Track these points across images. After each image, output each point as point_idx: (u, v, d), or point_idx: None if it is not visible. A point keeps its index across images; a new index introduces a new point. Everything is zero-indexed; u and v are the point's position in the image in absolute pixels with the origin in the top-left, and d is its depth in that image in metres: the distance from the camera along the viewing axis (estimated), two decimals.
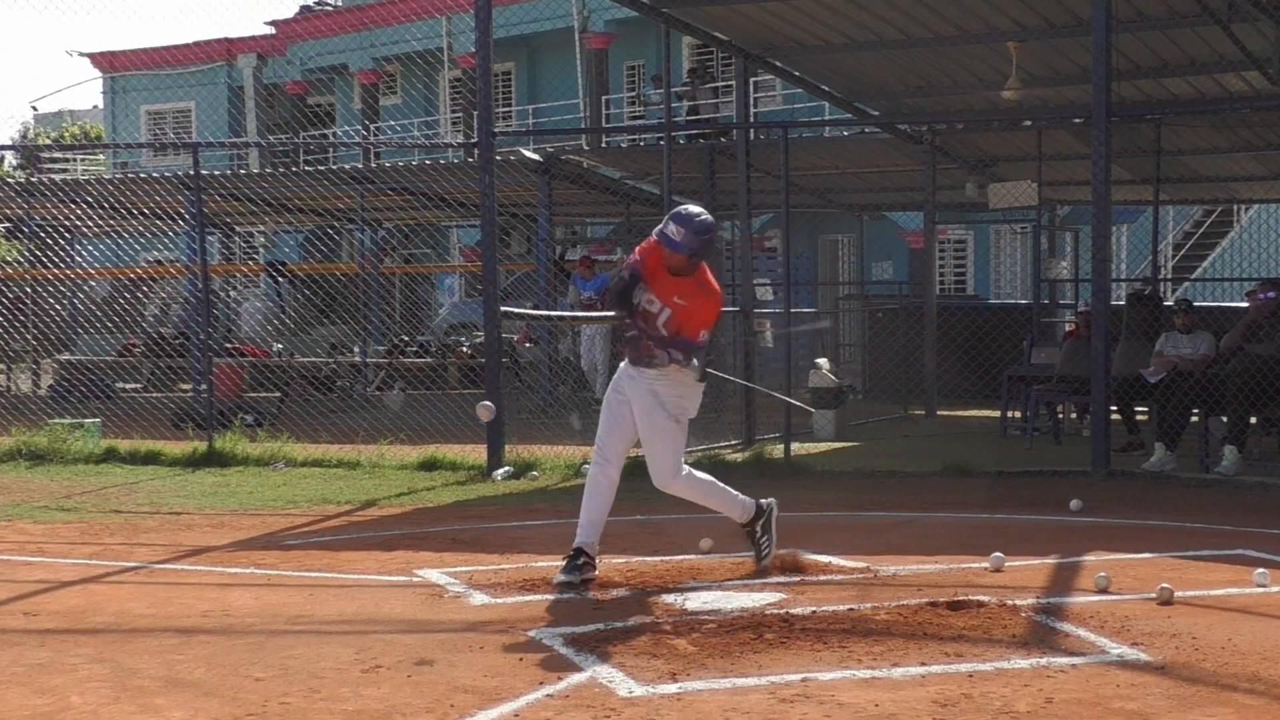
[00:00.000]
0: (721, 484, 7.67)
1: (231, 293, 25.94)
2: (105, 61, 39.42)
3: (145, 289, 24.98)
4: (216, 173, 20.44)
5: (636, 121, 29.28)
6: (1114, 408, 12.48)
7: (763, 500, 7.65)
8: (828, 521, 9.36)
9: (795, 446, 12.78)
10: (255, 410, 15.75)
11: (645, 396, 7.32)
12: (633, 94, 31.12)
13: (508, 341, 18.92)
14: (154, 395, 19.89)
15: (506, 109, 33.46)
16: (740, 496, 7.61)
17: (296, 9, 37.87)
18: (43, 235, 20.96)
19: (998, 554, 7.60)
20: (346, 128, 36.16)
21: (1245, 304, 12.86)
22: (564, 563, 7.35)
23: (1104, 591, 6.96)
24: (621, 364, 7.51)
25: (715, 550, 8.13)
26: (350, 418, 15.87)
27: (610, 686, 5.41)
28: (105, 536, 9.32)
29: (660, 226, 7.25)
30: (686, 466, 7.57)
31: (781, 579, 7.42)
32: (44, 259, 20.51)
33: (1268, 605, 6.77)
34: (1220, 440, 11.60)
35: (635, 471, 12.03)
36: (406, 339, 23.10)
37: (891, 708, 5.09)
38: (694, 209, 7.35)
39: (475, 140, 12.93)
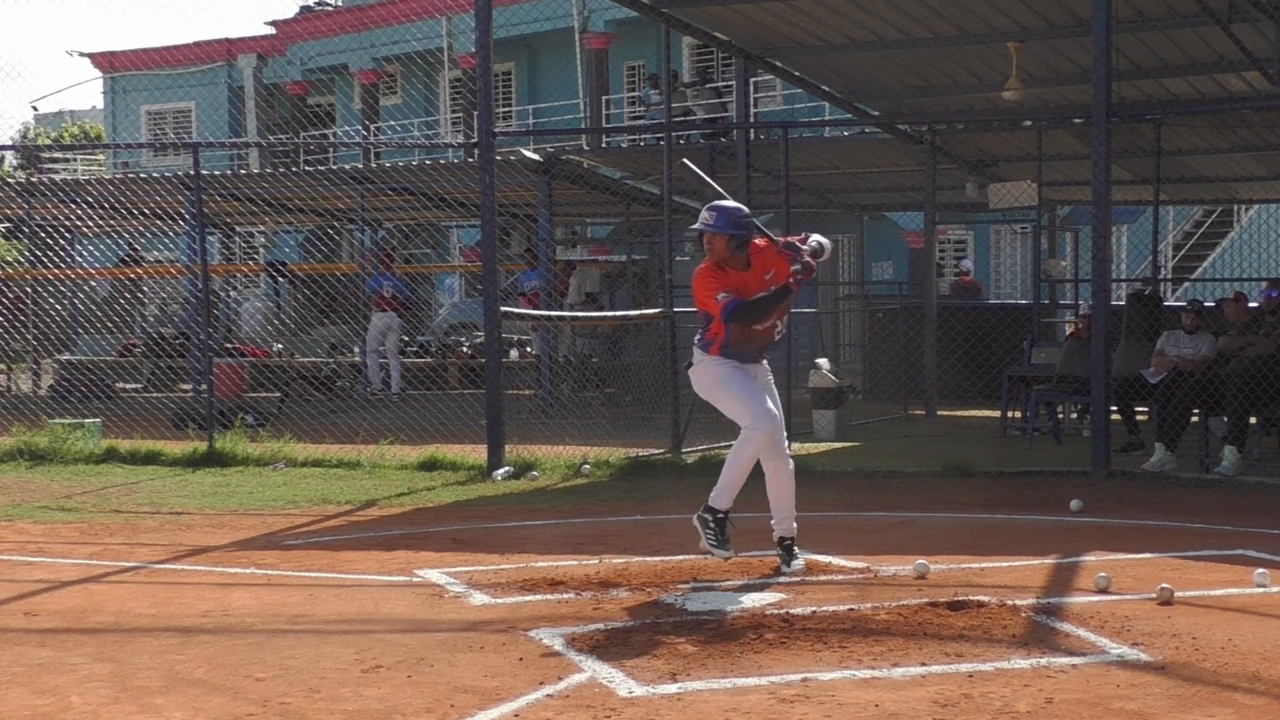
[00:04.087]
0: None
1: (231, 293, 25.93)
2: (105, 61, 39.44)
3: (144, 289, 24.98)
4: (216, 173, 20.44)
5: (636, 122, 29.28)
6: (1114, 408, 12.48)
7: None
8: (828, 521, 9.36)
9: (795, 446, 12.73)
10: (255, 410, 15.75)
11: (771, 381, 7.71)
12: (633, 94, 31.13)
13: (508, 341, 18.93)
14: (154, 395, 19.90)
15: (506, 109, 33.47)
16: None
17: (296, 9, 37.92)
18: (43, 235, 20.95)
19: (922, 561, 7.57)
20: (346, 128, 36.17)
21: (1257, 304, 12.89)
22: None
23: (1104, 591, 6.96)
24: (732, 366, 7.51)
25: None
26: (350, 418, 15.87)
27: (610, 686, 5.41)
28: (105, 536, 9.32)
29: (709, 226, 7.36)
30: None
31: (782, 579, 7.42)
32: (44, 259, 20.51)
33: (1268, 605, 6.77)
34: (1220, 440, 11.60)
35: (635, 471, 12.08)
36: (406, 339, 23.08)
37: (891, 708, 5.09)
38: (720, 202, 7.50)
39: (475, 140, 12.93)
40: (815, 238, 7.58)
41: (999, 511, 10.02)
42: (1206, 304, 13.94)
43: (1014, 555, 8.18)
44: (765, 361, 7.73)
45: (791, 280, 7.37)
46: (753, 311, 7.38)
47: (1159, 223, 17.97)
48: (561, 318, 16.73)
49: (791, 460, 7.75)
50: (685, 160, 8.27)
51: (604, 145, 27.82)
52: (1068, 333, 17.17)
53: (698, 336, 7.61)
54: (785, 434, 7.77)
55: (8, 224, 25.00)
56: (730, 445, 7.28)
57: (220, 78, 37.86)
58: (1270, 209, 23.65)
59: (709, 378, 7.59)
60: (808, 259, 7.38)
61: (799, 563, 7.64)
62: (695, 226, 7.50)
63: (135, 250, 25.81)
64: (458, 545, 8.73)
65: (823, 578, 7.50)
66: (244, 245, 30.36)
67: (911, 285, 23.57)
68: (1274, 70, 13.83)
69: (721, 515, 7.50)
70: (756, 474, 7.65)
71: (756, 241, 7.45)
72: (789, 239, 7.60)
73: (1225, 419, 11.61)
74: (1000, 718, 4.98)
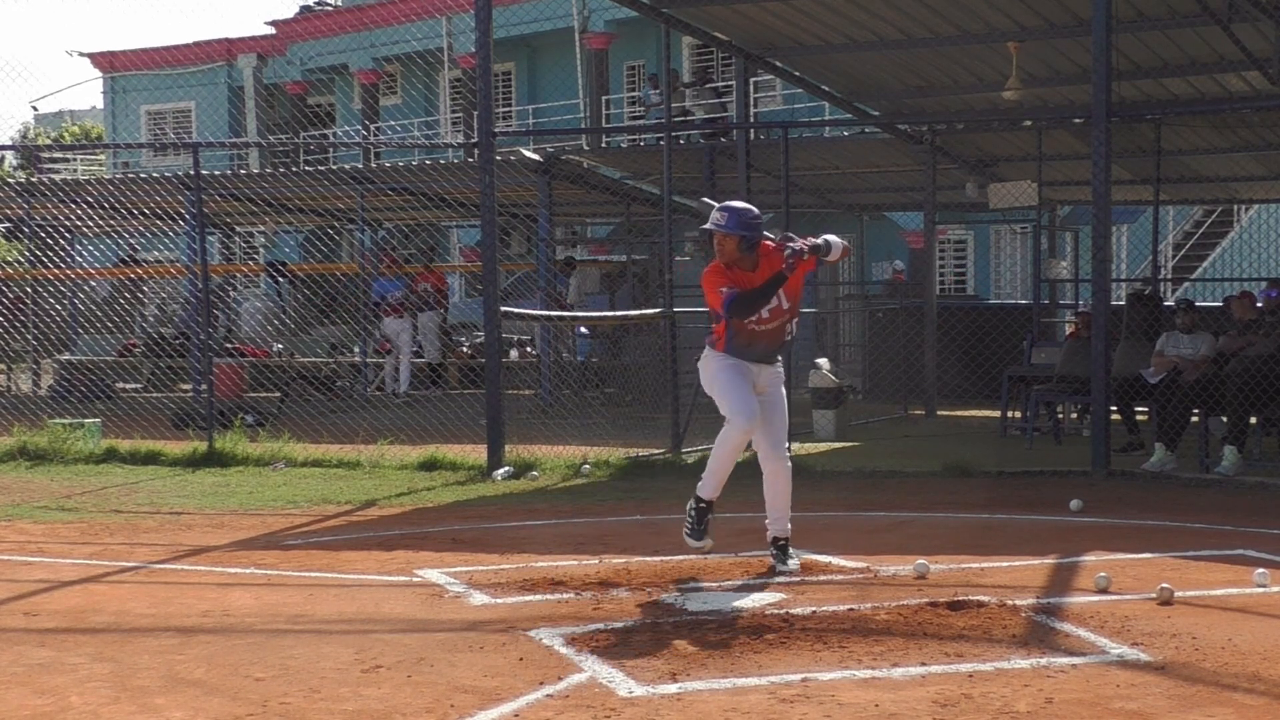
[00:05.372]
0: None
1: (231, 293, 25.92)
2: (105, 61, 39.44)
3: (145, 289, 24.98)
4: (216, 173, 20.45)
5: (636, 122, 29.29)
6: (1114, 408, 12.48)
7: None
8: (828, 521, 9.36)
9: (795, 446, 12.70)
10: (255, 410, 15.74)
11: (780, 384, 7.72)
12: (633, 94, 31.14)
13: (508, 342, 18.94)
14: (154, 395, 19.90)
15: (506, 109, 33.47)
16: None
17: (296, 9, 37.94)
18: (43, 235, 20.95)
19: (922, 561, 7.58)
20: (346, 128, 36.17)
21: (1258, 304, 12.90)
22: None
23: (1104, 591, 6.96)
24: (731, 362, 7.54)
25: (715, 550, 8.13)
26: (350, 418, 15.87)
27: (610, 686, 5.41)
28: (105, 536, 9.32)
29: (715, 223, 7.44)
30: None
31: (781, 579, 7.43)
32: (44, 259, 20.51)
33: (1268, 605, 6.77)
34: (1220, 440, 11.60)
35: (635, 471, 12.08)
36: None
37: (891, 708, 5.09)
38: (732, 203, 7.61)
39: (475, 140, 12.93)
40: (826, 237, 7.60)
41: (999, 511, 10.02)
42: (1208, 304, 13.94)
43: (1014, 555, 8.18)
44: (779, 364, 7.76)
45: (785, 266, 7.37)
46: (749, 301, 7.42)
47: (1159, 223, 17.97)
48: (561, 318, 16.74)
49: (790, 462, 7.74)
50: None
51: (604, 145, 27.83)
52: (1067, 333, 17.19)
53: (708, 333, 7.74)
54: (785, 436, 7.75)
55: (8, 224, 25.00)
56: None
57: (220, 78, 37.87)
58: (1270, 209, 23.66)
59: (708, 371, 7.73)
60: (799, 245, 7.39)
61: (794, 562, 7.66)
62: (706, 226, 7.54)
63: (133, 250, 25.81)
64: (458, 545, 8.73)
65: (823, 578, 7.50)
66: (244, 245, 30.37)
67: (911, 285, 23.55)
68: (1274, 70, 13.84)
69: (704, 505, 7.63)
70: (758, 474, 7.66)
71: (766, 243, 7.49)
72: (788, 236, 7.62)
73: (1225, 419, 11.61)
74: (1000, 718, 4.98)
